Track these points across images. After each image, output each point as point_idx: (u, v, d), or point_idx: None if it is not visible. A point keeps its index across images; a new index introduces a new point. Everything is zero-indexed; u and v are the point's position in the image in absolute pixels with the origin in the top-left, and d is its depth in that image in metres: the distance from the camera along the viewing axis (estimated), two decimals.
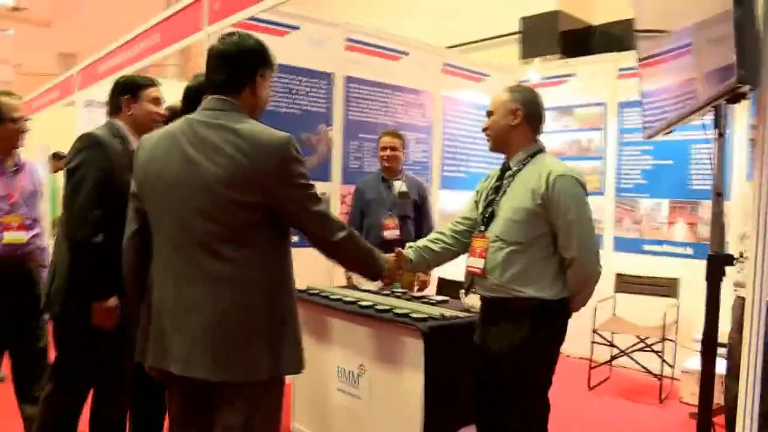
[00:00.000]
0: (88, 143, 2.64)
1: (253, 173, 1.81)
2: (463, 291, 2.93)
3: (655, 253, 5.34)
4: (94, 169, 2.57)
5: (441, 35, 6.81)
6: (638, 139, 5.43)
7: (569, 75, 5.96)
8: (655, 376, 4.63)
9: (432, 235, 2.95)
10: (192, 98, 2.40)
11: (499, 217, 2.57)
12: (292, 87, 4.80)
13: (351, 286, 4.00)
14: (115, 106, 2.80)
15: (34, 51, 16.27)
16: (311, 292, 3.64)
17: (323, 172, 5.01)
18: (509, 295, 2.52)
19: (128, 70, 5.34)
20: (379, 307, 3.17)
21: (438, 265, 2.97)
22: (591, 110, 5.78)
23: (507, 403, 2.59)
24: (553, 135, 6.15)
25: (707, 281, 2.11)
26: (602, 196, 5.76)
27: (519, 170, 2.58)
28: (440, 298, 3.46)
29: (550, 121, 6.05)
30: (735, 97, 1.70)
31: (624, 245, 5.55)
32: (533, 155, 2.59)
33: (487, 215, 2.63)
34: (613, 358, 4.97)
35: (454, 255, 2.87)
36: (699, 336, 2.19)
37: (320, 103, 4.98)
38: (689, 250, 5.20)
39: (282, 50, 4.56)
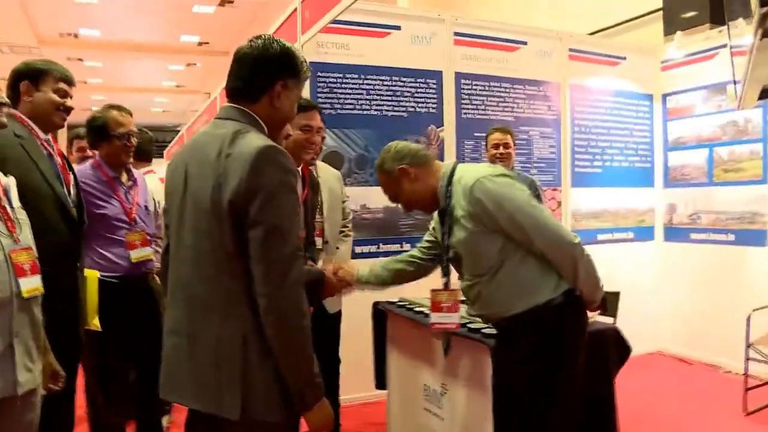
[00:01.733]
0: None
1: (228, 192, 1.61)
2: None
3: None
4: None
5: (575, 23, 6.28)
6: None
7: (720, 47, 5.16)
8: None
9: (397, 257, 2.87)
10: None
11: (462, 258, 2.41)
12: (397, 89, 4.64)
13: None
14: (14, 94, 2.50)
15: (219, 79, 17.72)
16: (399, 304, 3.45)
17: None
18: (509, 315, 2.32)
19: None
20: None
21: (394, 285, 2.86)
22: None
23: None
24: (704, 118, 5.42)
25: None
26: (764, 184, 4.90)
27: (449, 205, 2.40)
28: None
29: (699, 103, 5.41)
30: None
31: None
32: (449, 181, 2.41)
33: (450, 261, 2.49)
34: None
35: (412, 277, 2.81)
36: None
37: (429, 104, 4.75)
38: None
39: (384, 52, 4.55)
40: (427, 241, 2.74)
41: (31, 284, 1.88)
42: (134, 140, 3.12)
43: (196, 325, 1.70)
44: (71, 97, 2.55)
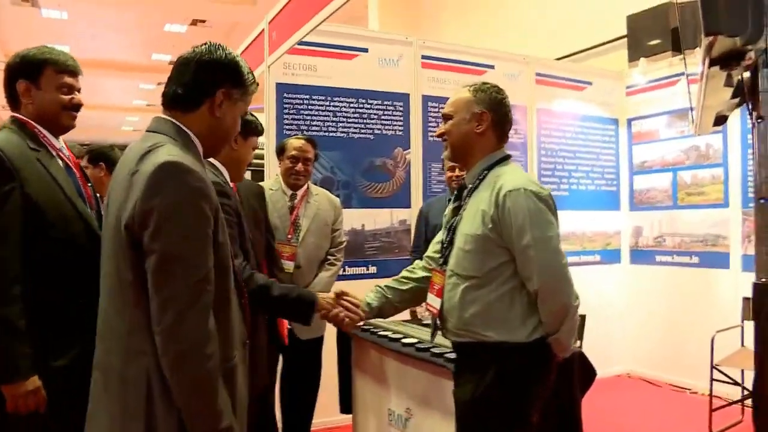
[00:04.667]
0: None
1: (126, 214, 1.45)
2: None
3: None
4: None
5: (543, 48, 6.36)
6: None
7: (682, 74, 5.26)
8: None
9: (402, 273, 2.59)
10: None
11: (455, 247, 2.19)
12: (364, 111, 4.63)
13: (415, 320, 3.70)
14: (11, 96, 2.12)
15: None
16: (364, 328, 3.40)
17: (403, 199, 4.77)
18: (472, 340, 2.15)
19: None
20: (419, 346, 2.88)
21: (409, 308, 2.60)
22: None
23: None
24: (667, 143, 5.51)
25: (754, 319, 1.61)
26: (726, 208, 4.98)
27: (475, 188, 2.19)
28: None
29: (663, 128, 5.49)
30: (730, 58, 1.26)
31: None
32: (491, 167, 2.19)
33: (445, 244, 2.26)
34: (745, 398, 4.21)
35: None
36: None
37: (396, 126, 4.76)
38: None
39: (351, 74, 4.54)
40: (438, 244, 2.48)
41: None
42: None
43: (107, 359, 1.54)
44: (79, 90, 2.18)
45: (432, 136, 4.90)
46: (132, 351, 1.48)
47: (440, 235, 2.43)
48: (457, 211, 2.27)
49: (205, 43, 1.68)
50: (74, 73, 2.17)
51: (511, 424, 2.15)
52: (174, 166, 1.44)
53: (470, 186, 2.22)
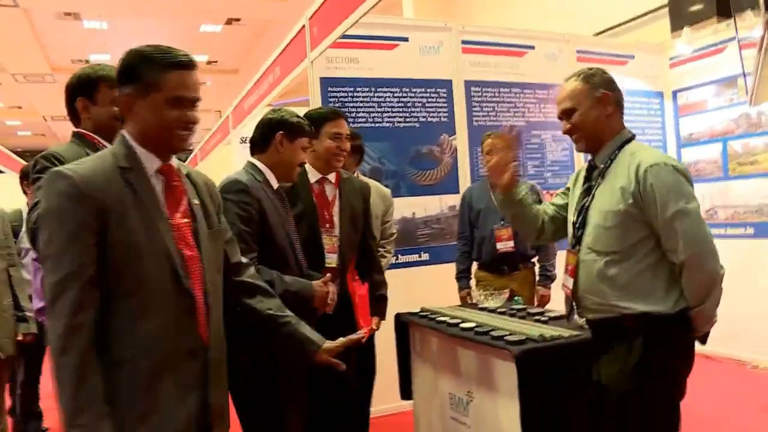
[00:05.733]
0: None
1: None
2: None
3: None
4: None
5: (580, 23, 6.28)
6: None
7: (728, 40, 5.15)
8: None
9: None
10: None
11: (589, 225, 2.21)
12: (408, 100, 4.67)
13: (469, 304, 3.74)
14: (72, 114, 2.35)
15: (229, 97, 17.84)
16: (421, 314, 3.46)
17: (451, 185, 4.80)
18: (616, 314, 2.15)
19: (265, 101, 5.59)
20: (478, 330, 2.92)
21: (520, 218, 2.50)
22: None
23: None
24: (716, 112, 5.40)
25: None
26: None
27: (607, 167, 2.20)
28: (557, 314, 3.09)
29: (710, 97, 5.39)
30: None
31: None
32: (621, 147, 2.20)
33: (577, 225, 2.27)
34: None
35: (533, 227, 2.50)
36: None
37: (440, 113, 4.78)
38: None
39: (393, 64, 4.59)
40: (555, 205, 2.52)
41: None
42: None
43: None
44: None
45: (477, 123, 4.92)
46: None
47: (560, 195, 2.49)
48: (588, 191, 2.27)
49: None
50: None
51: (665, 397, 2.19)
52: (52, 174, 1.54)
53: (602, 166, 2.23)
